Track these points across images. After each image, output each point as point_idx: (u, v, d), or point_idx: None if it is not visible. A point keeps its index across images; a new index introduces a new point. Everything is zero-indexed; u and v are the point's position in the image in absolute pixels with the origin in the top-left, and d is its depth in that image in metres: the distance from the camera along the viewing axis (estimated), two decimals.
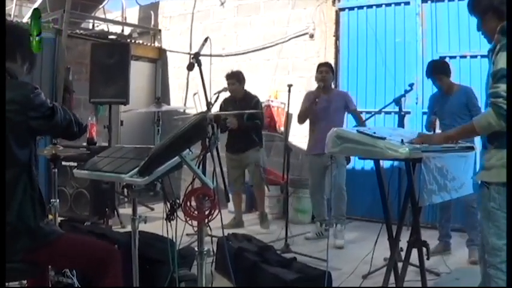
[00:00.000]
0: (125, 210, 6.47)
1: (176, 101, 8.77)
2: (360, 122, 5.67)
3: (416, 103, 6.56)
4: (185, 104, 8.46)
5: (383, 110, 5.54)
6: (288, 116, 6.38)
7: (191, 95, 7.25)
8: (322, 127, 5.33)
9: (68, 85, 7.04)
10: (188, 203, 2.25)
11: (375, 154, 2.99)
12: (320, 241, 5.55)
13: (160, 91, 8.88)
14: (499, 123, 2.43)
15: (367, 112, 6.42)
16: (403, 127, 4.83)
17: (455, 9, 6.33)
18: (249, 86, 6.42)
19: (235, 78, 6.27)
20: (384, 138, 2.94)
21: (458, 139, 3.07)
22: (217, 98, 5.31)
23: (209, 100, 2.92)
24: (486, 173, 2.62)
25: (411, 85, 4.93)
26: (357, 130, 3.15)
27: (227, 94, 5.98)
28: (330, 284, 3.80)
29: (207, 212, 2.27)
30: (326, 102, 5.72)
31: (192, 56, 2.88)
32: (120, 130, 7.83)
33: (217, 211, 2.26)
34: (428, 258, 3.37)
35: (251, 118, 6.16)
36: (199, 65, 2.74)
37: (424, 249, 3.31)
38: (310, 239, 5.89)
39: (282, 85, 7.06)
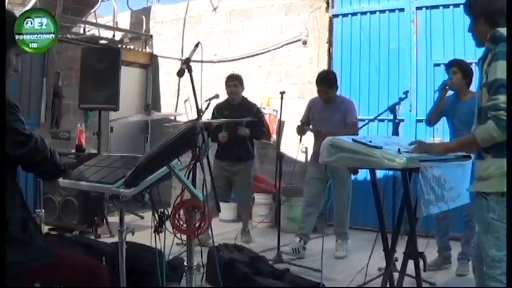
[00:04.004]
0: (115, 219, 6.32)
1: (167, 107, 8.68)
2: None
3: (410, 110, 6.51)
4: (176, 111, 8.38)
5: (377, 117, 5.48)
6: (281, 124, 6.31)
7: (182, 102, 7.17)
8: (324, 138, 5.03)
9: (57, 90, 7.01)
10: (177, 216, 2.16)
11: (372, 164, 2.92)
12: (314, 250, 5.41)
13: (151, 97, 8.79)
14: (502, 136, 2.38)
15: (361, 120, 6.35)
16: (397, 135, 4.77)
17: (449, 16, 6.30)
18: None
19: (238, 80, 6.03)
20: (380, 148, 2.87)
21: (458, 151, 3.01)
22: (209, 105, 5.25)
23: (200, 107, 2.84)
24: (483, 183, 2.55)
25: (405, 93, 4.86)
26: (352, 139, 3.08)
27: (218, 101, 5.83)
28: None
29: (196, 225, 2.18)
30: (328, 112, 5.41)
31: (182, 62, 2.80)
32: (110, 137, 7.71)
33: (207, 224, 2.18)
34: (424, 270, 3.32)
35: (253, 126, 5.89)
36: (190, 71, 2.66)
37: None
38: (285, 253, 5.19)
39: (274, 92, 6.98)
